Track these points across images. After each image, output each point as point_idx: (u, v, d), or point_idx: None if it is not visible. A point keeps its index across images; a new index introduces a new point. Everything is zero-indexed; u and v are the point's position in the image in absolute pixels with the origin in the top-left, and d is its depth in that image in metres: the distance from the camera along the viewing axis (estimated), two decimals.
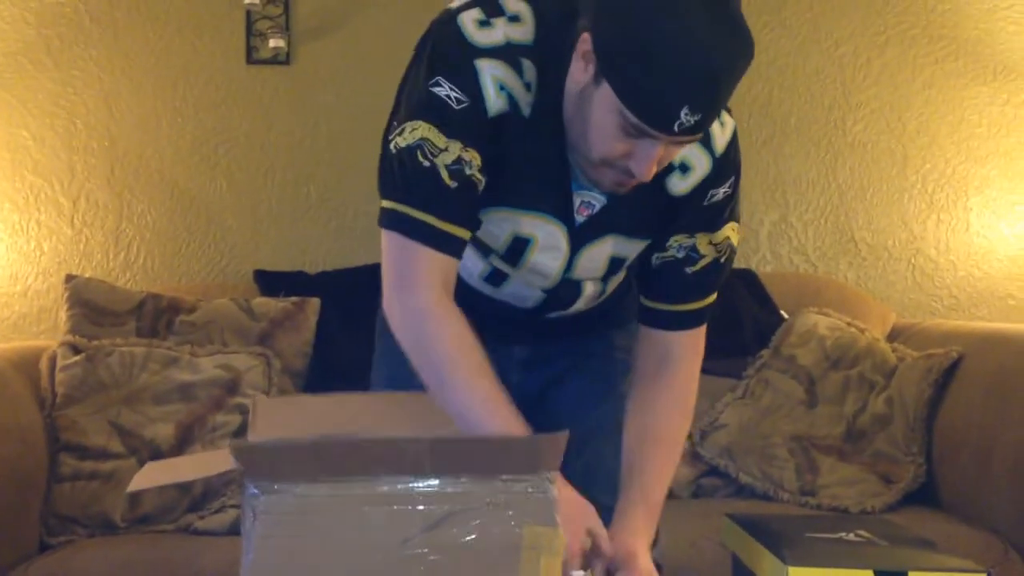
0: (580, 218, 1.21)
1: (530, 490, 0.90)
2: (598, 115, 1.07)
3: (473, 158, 1.12)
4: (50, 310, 2.43)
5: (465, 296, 1.31)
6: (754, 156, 2.59)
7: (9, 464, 1.79)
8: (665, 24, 1.00)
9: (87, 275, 2.31)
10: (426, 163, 1.10)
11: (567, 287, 1.29)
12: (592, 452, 1.37)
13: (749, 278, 2.42)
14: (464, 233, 1.15)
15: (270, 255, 2.50)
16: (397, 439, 0.90)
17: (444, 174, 1.10)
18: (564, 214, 1.20)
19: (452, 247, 1.14)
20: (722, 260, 1.27)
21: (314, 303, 2.24)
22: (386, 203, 1.15)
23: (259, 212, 2.52)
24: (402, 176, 1.12)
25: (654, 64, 1.01)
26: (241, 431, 1.95)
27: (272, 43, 2.48)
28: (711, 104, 1.04)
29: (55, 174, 2.47)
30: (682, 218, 1.23)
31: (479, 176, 1.13)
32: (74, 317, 2.10)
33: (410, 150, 1.11)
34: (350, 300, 2.21)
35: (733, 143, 1.23)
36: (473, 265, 1.27)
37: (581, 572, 1.10)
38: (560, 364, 1.42)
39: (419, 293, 1.13)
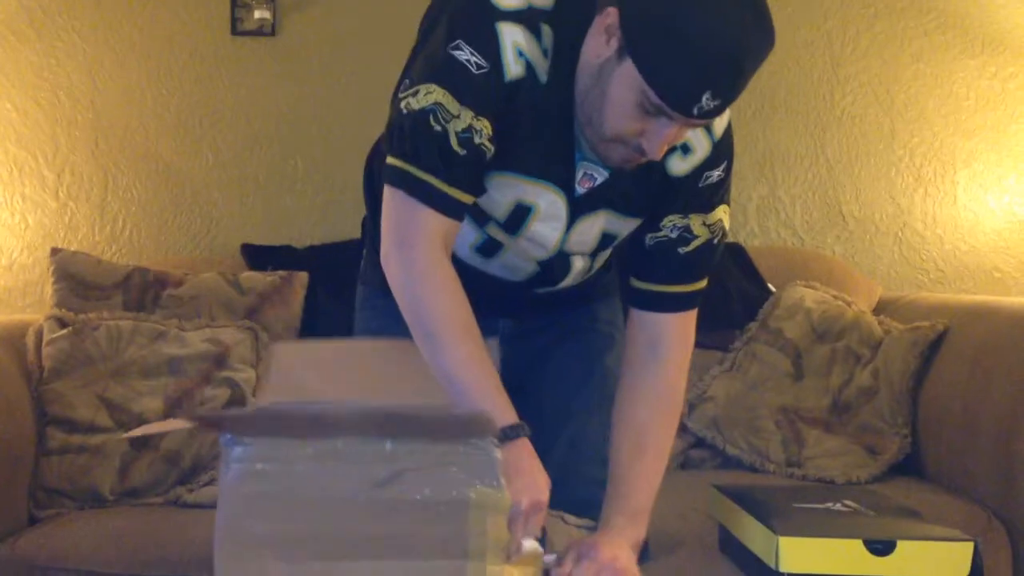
0: (581, 189, 1.21)
1: (476, 452, 0.96)
2: (617, 91, 1.08)
3: (484, 127, 1.12)
4: (36, 284, 2.42)
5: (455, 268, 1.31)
6: (742, 130, 2.59)
7: None
8: (695, 8, 1.01)
9: (72, 249, 2.30)
10: (437, 128, 1.11)
11: (559, 261, 1.29)
12: (578, 425, 1.38)
13: (737, 252, 2.42)
14: (467, 198, 1.16)
15: (257, 229, 2.49)
16: (354, 413, 0.97)
17: (454, 140, 1.11)
18: (566, 184, 1.20)
19: (455, 211, 1.15)
20: (715, 241, 1.27)
21: (302, 277, 2.23)
22: (393, 160, 1.15)
23: (245, 185, 2.51)
24: (412, 138, 1.13)
25: (682, 47, 1.02)
26: (230, 405, 1.95)
27: (257, 14, 2.45)
28: (733, 90, 1.05)
29: (39, 147, 2.45)
30: (677, 199, 1.23)
31: (488, 145, 1.13)
32: (60, 291, 2.09)
33: (423, 113, 1.11)
34: (338, 274, 2.20)
35: (729, 127, 1.25)
36: (466, 234, 1.26)
37: (534, 542, 1.12)
38: (545, 338, 1.43)
39: (418, 251, 1.14)
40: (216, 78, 2.49)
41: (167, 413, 1.95)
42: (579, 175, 1.20)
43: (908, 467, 2.03)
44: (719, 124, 1.22)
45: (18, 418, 1.87)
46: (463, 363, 1.12)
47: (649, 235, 1.26)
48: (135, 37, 2.47)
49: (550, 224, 1.23)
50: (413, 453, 0.97)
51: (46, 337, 1.98)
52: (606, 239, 1.27)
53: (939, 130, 2.61)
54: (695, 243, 1.25)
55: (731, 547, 1.21)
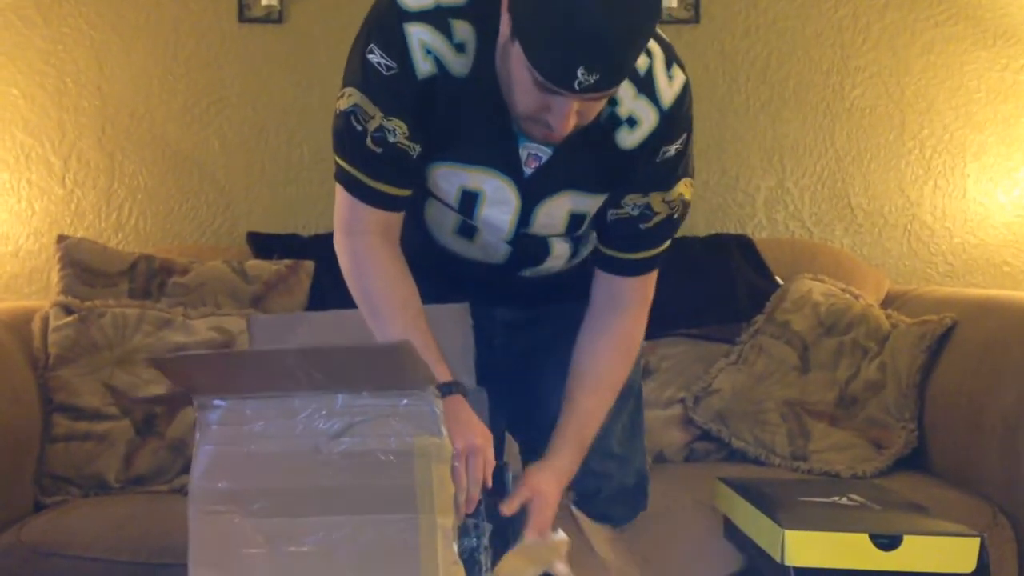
0: (528, 170, 1.23)
1: (418, 403, 1.03)
2: (515, 71, 1.11)
3: (397, 126, 1.18)
4: (42, 270, 2.42)
5: (440, 260, 1.32)
6: (751, 121, 2.58)
7: (2, 424, 1.79)
8: None
9: (79, 235, 2.30)
10: (359, 127, 1.19)
11: (532, 242, 1.29)
12: None
13: (745, 243, 2.41)
14: (397, 191, 1.23)
15: (263, 217, 2.48)
16: (284, 352, 1.05)
17: (369, 140, 1.19)
18: (511, 167, 1.22)
19: (387, 203, 1.23)
20: (675, 216, 1.30)
21: (308, 266, 2.23)
22: (334, 156, 1.26)
23: (252, 173, 2.50)
24: (340, 137, 1.23)
25: (551, 25, 1.04)
26: None
27: (264, 1, 2.45)
28: (607, 63, 1.06)
29: (45, 133, 2.45)
30: (636, 175, 1.24)
31: (405, 142, 1.19)
32: (66, 278, 2.09)
33: (346, 115, 1.20)
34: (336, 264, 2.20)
35: (683, 97, 1.24)
36: (444, 219, 1.31)
37: (563, 533, 1.14)
38: (545, 329, 1.43)
39: (359, 238, 1.25)
40: (223, 65, 2.48)
41: (173, 402, 1.95)
42: (524, 156, 1.21)
43: (914, 461, 2.02)
44: (667, 94, 1.22)
45: (24, 405, 1.88)
46: (401, 335, 1.19)
47: (611, 211, 1.29)
48: (142, 23, 2.46)
49: (499, 208, 1.25)
50: (362, 407, 1.03)
51: (52, 324, 1.98)
52: (576, 219, 1.28)
53: (949, 122, 2.59)
54: (655, 219, 1.28)
55: (736, 540, 1.20)
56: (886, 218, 2.61)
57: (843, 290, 2.26)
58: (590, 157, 1.22)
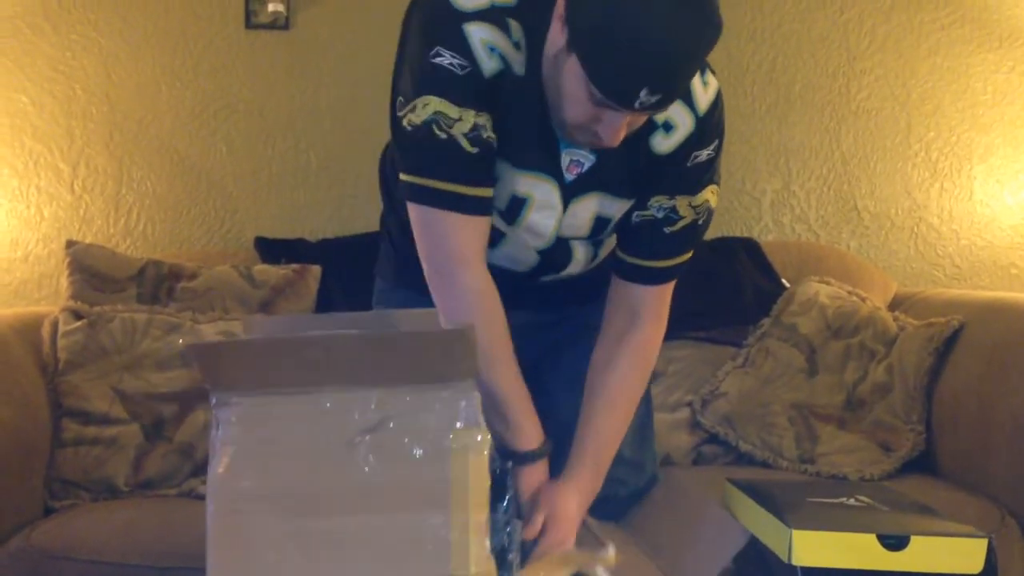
0: (570, 176, 1.22)
1: (456, 396, 1.01)
2: (568, 82, 1.10)
3: (486, 122, 1.15)
4: (51, 276, 2.43)
5: None
6: (757, 124, 2.58)
7: (12, 429, 1.80)
8: (629, 5, 1.02)
9: (88, 241, 2.31)
10: (443, 136, 1.13)
11: (558, 248, 1.29)
12: None
13: (751, 247, 2.41)
14: (487, 192, 1.18)
15: (270, 222, 2.49)
16: (333, 339, 1.01)
17: (464, 143, 1.14)
18: (556, 172, 1.21)
19: (482, 208, 1.18)
20: (700, 222, 1.30)
21: (315, 271, 2.24)
22: (409, 178, 1.18)
23: (259, 179, 2.51)
24: (422, 151, 1.15)
25: (616, 45, 1.03)
26: None
27: (271, 7, 2.46)
28: (671, 85, 1.07)
29: (54, 140, 2.46)
30: (665, 178, 1.24)
31: (493, 135, 1.16)
32: (75, 283, 2.10)
33: (426, 125, 1.14)
34: (351, 268, 2.20)
35: (716, 104, 1.24)
36: None
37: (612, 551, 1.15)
38: (558, 333, 1.43)
39: (461, 270, 1.18)
40: (230, 71, 2.50)
41: (181, 406, 1.96)
42: (565, 162, 1.21)
43: (922, 464, 2.02)
44: (703, 100, 1.22)
45: (34, 410, 1.88)
46: (503, 382, 1.19)
47: (636, 213, 1.28)
48: (150, 30, 2.47)
49: (545, 213, 1.24)
50: (396, 400, 1.01)
51: (61, 329, 1.99)
52: (600, 222, 1.28)
53: (956, 125, 2.59)
54: (680, 224, 1.28)
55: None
56: (892, 220, 2.61)
57: (850, 293, 2.26)
58: (623, 161, 1.22)
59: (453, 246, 1.18)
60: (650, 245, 1.30)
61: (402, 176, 1.19)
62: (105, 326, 2.00)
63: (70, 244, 2.17)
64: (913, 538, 1.04)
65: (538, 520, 1.20)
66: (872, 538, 1.04)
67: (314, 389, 1.02)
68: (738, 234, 2.52)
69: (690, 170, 1.24)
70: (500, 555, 1.05)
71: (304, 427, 1.02)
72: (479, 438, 1.01)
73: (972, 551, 1.04)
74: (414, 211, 1.19)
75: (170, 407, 1.95)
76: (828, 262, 2.40)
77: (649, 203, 1.27)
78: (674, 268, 1.32)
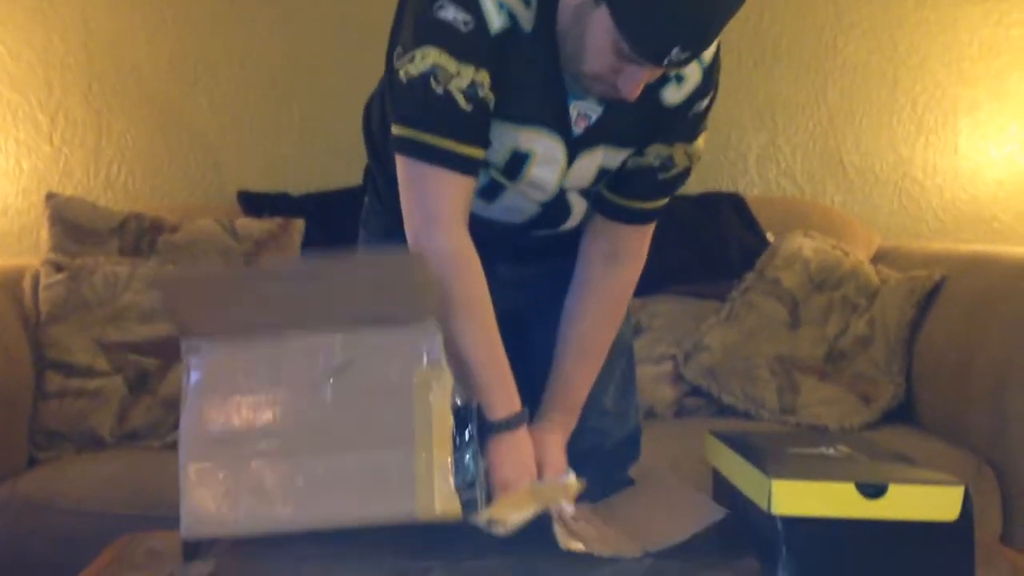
0: (578, 129, 1.21)
1: (419, 336, 1.03)
2: (593, 34, 1.08)
3: (484, 79, 1.13)
4: (31, 229, 2.41)
5: None
6: (744, 79, 2.56)
7: None
8: None
9: (68, 194, 2.29)
10: (439, 90, 1.12)
11: (558, 202, 1.29)
12: None
13: (736, 201, 2.41)
14: (481, 153, 1.17)
15: (253, 176, 2.47)
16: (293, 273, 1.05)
17: (460, 99, 1.12)
18: (562, 126, 1.20)
19: (471, 168, 1.17)
20: (690, 167, 1.30)
21: (298, 224, 2.22)
22: (401, 130, 1.16)
23: (241, 132, 2.49)
24: (416, 104, 1.14)
25: (652, 2, 1.02)
26: None
27: None
28: (703, 44, 1.07)
29: (32, 90, 2.43)
30: (666, 128, 1.23)
31: (490, 95, 1.14)
32: (56, 236, 2.09)
33: (423, 77, 1.12)
34: (334, 222, 2.19)
35: (717, 53, 1.25)
36: None
37: (573, 477, 1.18)
38: (540, 287, 1.43)
39: (441, 229, 1.17)
40: (210, 22, 2.46)
41: (163, 360, 1.95)
42: (574, 115, 1.20)
43: (902, 415, 2.04)
44: (708, 51, 1.22)
45: (16, 362, 1.88)
46: (477, 345, 1.17)
47: (631, 159, 1.28)
48: None
49: (548, 168, 1.23)
50: (360, 343, 1.03)
51: (43, 282, 1.98)
52: (602, 173, 1.27)
53: (942, 78, 2.59)
54: (674, 171, 1.28)
55: (724, 492, 1.22)
56: (877, 175, 2.61)
57: (833, 247, 2.27)
58: (632, 113, 1.21)
59: (436, 203, 1.17)
60: (641, 189, 1.30)
61: (394, 128, 1.18)
62: (87, 279, 1.99)
63: (50, 197, 2.15)
64: (891, 486, 1.05)
65: (498, 495, 1.20)
66: (851, 487, 1.05)
67: (279, 334, 1.04)
68: (724, 189, 2.52)
69: (690, 119, 1.25)
70: (466, 492, 1.07)
71: (271, 372, 1.04)
72: (442, 377, 1.03)
73: (948, 499, 1.05)
74: (402, 164, 1.18)
75: (153, 360, 1.95)
76: (813, 216, 2.40)
77: (647, 151, 1.27)
78: (658, 210, 1.33)
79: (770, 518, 1.05)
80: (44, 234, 2.12)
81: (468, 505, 1.07)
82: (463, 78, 1.12)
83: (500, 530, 1.10)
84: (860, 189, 2.61)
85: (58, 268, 2.00)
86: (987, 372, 1.85)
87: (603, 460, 1.45)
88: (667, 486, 1.36)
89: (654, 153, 1.27)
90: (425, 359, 1.03)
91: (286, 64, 2.48)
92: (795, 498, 1.05)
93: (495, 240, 1.34)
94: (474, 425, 1.10)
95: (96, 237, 2.10)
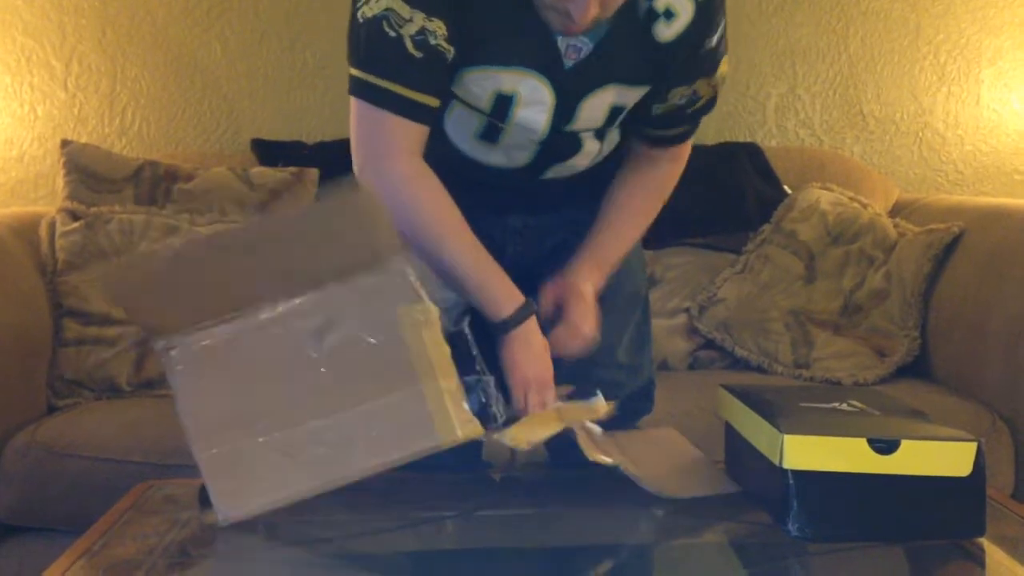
0: (569, 62, 1.20)
1: (390, 278, 1.01)
2: None
3: (437, 28, 1.13)
4: (47, 176, 2.41)
5: (457, 166, 1.30)
6: (764, 25, 2.52)
7: (14, 329, 1.81)
8: None
9: (83, 141, 2.28)
10: (392, 33, 1.12)
11: (564, 140, 1.28)
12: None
13: (753, 152, 2.39)
14: (431, 101, 1.17)
15: (267, 123, 2.46)
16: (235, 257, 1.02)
17: (409, 44, 1.13)
18: (549, 63, 1.20)
19: (420, 115, 1.17)
20: (716, 95, 1.31)
21: (312, 173, 2.22)
22: (354, 71, 1.17)
23: (255, 79, 2.47)
24: (369, 46, 1.14)
25: None
26: None
27: None
28: None
29: (46, 35, 2.41)
30: (679, 67, 1.23)
31: (445, 45, 1.14)
32: (71, 183, 2.09)
33: (376, 20, 1.13)
34: (349, 171, 2.18)
35: None
36: (467, 123, 1.27)
37: (601, 399, 1.19)
38: (555, 237, 1.43)
39: (393, 161, 1.18)
40: None
41: None
42: (563, 48, 1.20)
43: (917, 369, 2.04)
44: None
45: (35, 309, 1.90)
46: (461, 255, 1.18)
47: (656, 106, 1.29)
48: None
49: (535, 109, 1.23)
50: (333, 297, 1.01)
51: (59, 230, 1.99)
52: (615, 111, 1.27)
53: (965, 27, 2.54)
54: (702, 101, 1.30)
55: (736, 447, 1.22)
56: (897, 125, 2.57)
57: (851, 199, 2.25)
58: (631, 51, 1.21)
59: (384, 142, 1.18)
60: (672, 121, 1.32)
61: (350, 69, 1.19)
62: (103, 227, 1.99)
63: (65, 144, 2.15)
64: (903, 442, 1.05)
65: (548, 294, 1.25)
66: (863, 442, 1.05)
67: (249, 310, 1.02)
68: (741, 139, 2.49)
69: (703, 56, 1.24)
70: (482, 412, 1.07)
71: (253, 348, 1.02)
72: (425, 309, 1.01)
73: (961, 454, 1.05)
74: (354, 106, 1.19)
75: None
76: (831, 168, 2.38)
77: (669, 95, 1.27)
78: (693, 128, 1.35)
79: (782, 472, 1.05)
80: (60, 181, 2.12)
81: (490, 423, 1.08)
82: (414, 24, 1.12)
83: (524, 447, 1.10)
84: (880, 140, 2.58)
85: (74, 216, 2.01)
86: (1003, 326, 1.84)
87: (615, 413, 1.45)
88: (681, 450, 1.36)
89: (678, 96, 1.27)
90: (403, 298, 1.01)
91: (301, 10, 2.45)
92: (807, 453, 1.05)
93: (503, 191, 1.33)
94: (472, 345, 1.10)
95: (111, 185, 2.10)
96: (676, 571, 1.12)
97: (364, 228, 1.00)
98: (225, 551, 1.07)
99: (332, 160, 2.27)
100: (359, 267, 1.01)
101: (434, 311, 1.02)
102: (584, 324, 1.27)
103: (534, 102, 1.22)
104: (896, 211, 2.31)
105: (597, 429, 1.19)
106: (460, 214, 1.20)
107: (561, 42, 1.19)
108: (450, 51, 1.15)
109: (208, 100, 2.46)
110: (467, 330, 1.11)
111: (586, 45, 1.20)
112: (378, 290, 1.01)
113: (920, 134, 2.58)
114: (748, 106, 2.55)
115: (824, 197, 2.24)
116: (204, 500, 1.12)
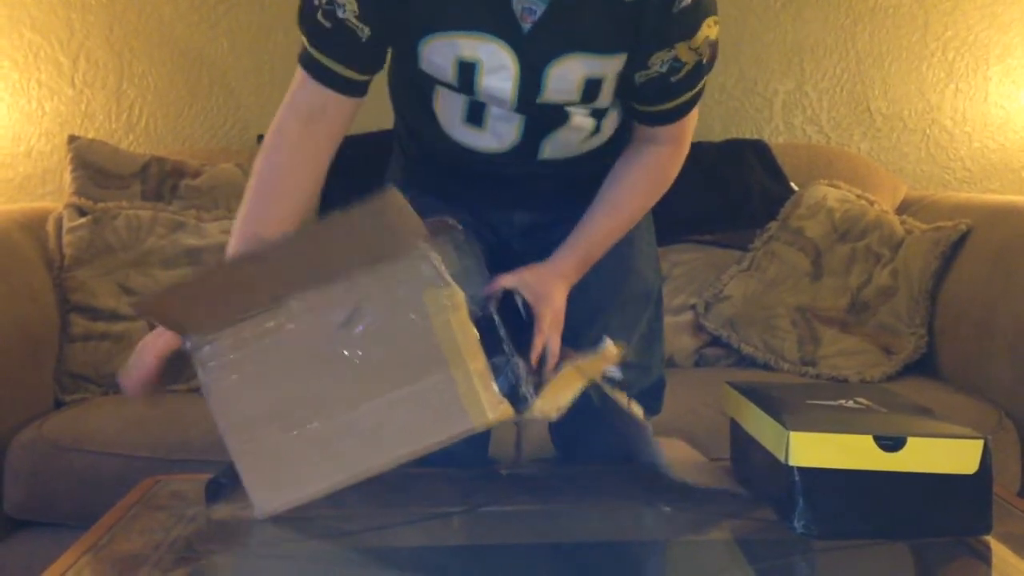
0: (526, 25, 1.19)
1: (413, 264, 1.01)
2: None
3: (347, 3, 1.17)
4: (54, 171, 2.42)
5: (459, 159, 1.30)
6: (772, 20, 2.52)
7: (21, 324, 1.82)
8: None
9: (90, 137, 2.29)
10: (315, 2, 1.19)
11: (548, 110, 1.26)
12: (600, 326, 1.38)
13: (760, 149, 2.38)
14: (343, 71, 1.21)
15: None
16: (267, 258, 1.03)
17: (319, 13, 1.19)
18: (506, 26, 1.19)
19: (339, 85, 1.22)
20: (704, 61, 1.26)
21: None
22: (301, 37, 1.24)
23: (262, 75, 2.47)
24: (303, 13, 1.22)
25: None
26: None
27: None
28: None
29: (53, 31, 2.42)
30: (652, 29, 1.20)
31: (354, 21, 1.18)
32: (79, 179, 2.09)
33: None
34: (356, 167, 2.18)
35: None
36: (453, 107, 1.27)
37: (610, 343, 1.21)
38: (562, 231, 1.42)
39: (286, 112, 1.25)
40: None
41: None
42: (518, 11, 1.19)
43: (923, 367, 2.04)
44: None
45: (42, 304, 1.90)
46: (288, 217, 1.25)
47: (638, 74, 1.25)
48: None
49: (498, 75, 1.22)
50: (358, 288, 1.02)
51: (66, 225, 1.99)
52: (590, 84, 1.24)
53: (974, 23, 2.53)
54: (685, 70, 1.25)
55: (742, 444, 1.22)
56: (905, 122, 2.57)
57: (858, 196, 2.24)
58: (593, 13, 1.19)
59: (292, 91, 1.24)
60: (659, 93, 1.28)
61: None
62: (110, 223, 2.00)
63: (72, 139, 2.15)
64: (910, 439, 1.05)
65: (539, 342, 1.22)
66: (869, 439, 1.05)
67: (277, 304, 1.03)
68: (748, 136, 2.49)
69: (678, 16, 1.20)
70: (512, 393, 1.07)
71: (283, 342, 1.03)
72: (452, 295, 1.01)
73: (968, 452, 1.05)
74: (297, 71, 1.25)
75: None
76: (838, 165, 2.37)
77: (649, 62, 1.24)
78: (688, 102, 1.30)
79: (787, 470, 1.05)
80: (67, 177, 2.13)
81: (520, 404, 1.07)
82: None
83: (555, 416, 1.10)
84: (887, 137, 2.57)
85: (81, 212, 2.01)
86: (1010, 324, 1.84)
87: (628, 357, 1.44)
88: (690, 456, 1.37)
89: (659, 61, 1.23)
90: (428, 283, 1.01)
91: None
92: (813, 450, 1.05)
93: (503, 184, 1.33)
94: (500, 327, 1.10)
95: (118, 181, 2.11)
96: (682, 568, 1.12)
97: (388, 222, 1.01)
98: (231, 547, 1.07)
99: (338, 157, 2.27)
100: (384, 255, 1.01)
101: (460, 295, 1.02)
102: (554, 327, 1.25)
103: (497, 67, 1.21)
104: (903, 208, 2.31)
105: (618, 374, 1.19)
106: (296, 192, 1.28)
107: (516, 4, 1.18)
108: (362, 29, 1.18)
109: (215, 96, 2.47)
110: (494, 313, 1.11)
111: (538, 5, 1.18)
112: (404, 276, 1.01)
113: (928, 131, 2.57)
114: (755, 103, 2.54)
115: (831, 194, 2.24)
116: (211, 495, 1.12)
